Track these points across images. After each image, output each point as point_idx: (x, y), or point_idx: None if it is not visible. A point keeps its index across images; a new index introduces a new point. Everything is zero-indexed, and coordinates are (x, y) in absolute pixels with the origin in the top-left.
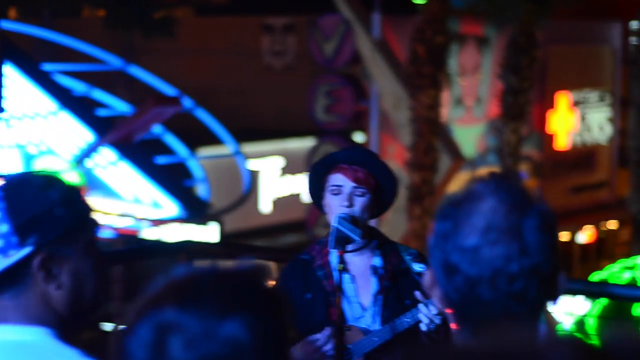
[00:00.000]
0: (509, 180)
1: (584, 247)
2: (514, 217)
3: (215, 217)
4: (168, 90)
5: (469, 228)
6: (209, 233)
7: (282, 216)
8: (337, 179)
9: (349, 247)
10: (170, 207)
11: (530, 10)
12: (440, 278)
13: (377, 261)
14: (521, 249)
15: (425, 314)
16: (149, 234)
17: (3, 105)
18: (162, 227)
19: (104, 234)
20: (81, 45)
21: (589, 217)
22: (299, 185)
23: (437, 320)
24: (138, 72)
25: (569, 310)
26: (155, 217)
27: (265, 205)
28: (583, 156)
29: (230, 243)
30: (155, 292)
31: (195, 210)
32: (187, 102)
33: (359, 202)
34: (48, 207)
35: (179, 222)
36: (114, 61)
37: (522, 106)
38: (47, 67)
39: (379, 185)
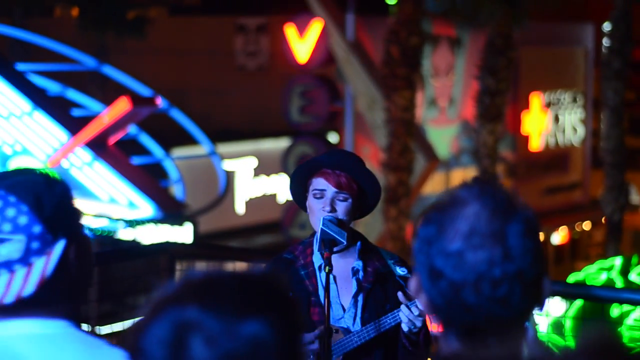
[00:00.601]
0: (493, 186)
1: (558, 248)
2: (497, 222)
3: (191, 218)
4: (142, 90)
5: (453, 233)
6: (184, 234)
7: (256, 217)
8: (320, 183)
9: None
10: (146, 207)
11: (507, 12)
12: (425, 283)
13: (358, 263)
14: (505, 254)
15: (407, 316)
16: (124, 234)
17: None
18: (138, 227)
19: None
20: (55, 45)
21: (563, 218)
22: (273, 185)
23: (419, 323)
24: (112, 72)
25: (546, 312)
26: (130, 217)
27: (239, 205)
28: (556, 157)
29: (209, 245)
30: (174, 291)
31: (171, 210)
32: (162, 103)
33: (341, 206)
34: (59, 197)
35: (154, 223)
36: (88, 61)
37: (498, 107)
38: (21, 67)
39: (361, 190)
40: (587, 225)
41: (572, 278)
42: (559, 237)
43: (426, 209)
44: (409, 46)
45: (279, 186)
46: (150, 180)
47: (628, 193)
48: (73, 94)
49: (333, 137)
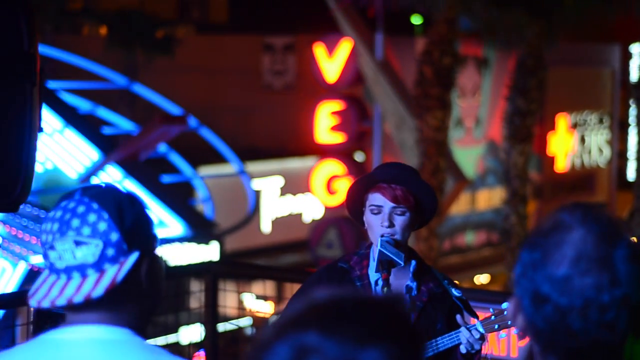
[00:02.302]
0: (595, 210)
1: None
2: (604, 247)
3: (219, 237)
4: (172, 108)
5: (560, 258)
6: (210, 252)
7: (282, 236)
8: (376, 198)
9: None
10: (176, 226)
11: (539, 32)
12: (527, 307)
13: (412, 282)
14: (612, 279)
15: (468, 339)
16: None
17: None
18: (166, 246)
19: None
20: (86, 63)
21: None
22: (299, 204)
23: (477, 346)
24: (142, 90)
25: None
26: (160, 236)
27: (265, 224)
28: (582, 178)
29: (249, 265)
30: (298, 314)
31: (201, 229)
32: (191, 121)
33: (399, 220)
34: (139, 213)
35: (179, 242)
36: (118, 79)
37: (528, 128)
38: (52, 84)
39: (418, 203)
40: None
41: None
42: None
43: (529, 234)
44: (442, 66)
45: (305, 205)
46: (180, 198)
47: None
48: (103, 112)
49: (359, 157)
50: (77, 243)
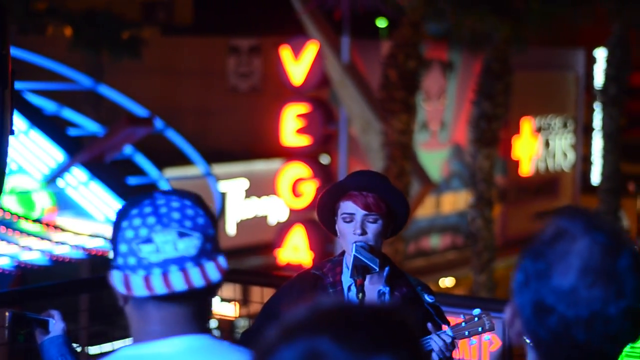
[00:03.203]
0: (595, 218)
1: None
2: (609, 258)
3: None
4: (138, 110)
5: (565, 269)
6: None
7: (247, 238)
8: (348, 206)
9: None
10: None
11: (506, 36)
12: (528, 316)
13: (385, 288)
14: (618, 291)
15: (438, 345)
16: None
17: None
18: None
19: (74, 254)
20: (52, 64)
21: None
22: (265, 207)
23: (448, 353)
24: (108, 91)
25: None
26: None
27: (230, 227)
28: (546, 182)
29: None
30: (308, 319)
31: None
32: (157, 123)
33: (372, 228)
34: (215, 221)
35: None
36: (84, 80)
37: (494, 132)
38: (17, 85)
39: (390, 210)
40: None
41: None
42: None
43: (531, 242)
44: (406, 70)
45: (271, 208)
46: None
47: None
48: (68, 113)
49: (325, 159)
50: (181, 234)
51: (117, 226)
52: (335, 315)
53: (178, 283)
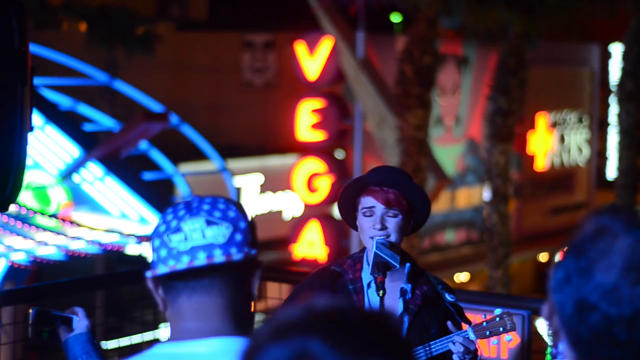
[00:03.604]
0: (637, 217)
1: None
2: None
3: None
4: (153, 105)
5: (608, 266)
6: None
7: (261, 233)
8: (368, 201)
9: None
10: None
11: (521, 31)
12: (569, 314)
13: (407, 286)
14: None
15: (461, 344)
16: (134, 250)
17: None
18: (148, 243)
19: (90, 249)
20: (67, 60)
21: (568, 238)
22: (279, 202)
23: (469, 355)
24: (123, 87)
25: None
26: (142, 233)
27: None
28: (561, 177)
29: None
30: (300, 318)
31: None
32: (173, 118)
33: (392, 223)
34: (252, 220)
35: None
36: (99, 76)
37: (510, 128)
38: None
39: (410, 205)
40: None
41: None
42: None
43: (573, 239)
44: (422, 65)
45: (286, 203)
46: (161, 195)
47: None
48: (84, 109)
49: (340, 154)
50: (209, 222)
51: (154, 230)
52: (329, 317)
53: (199, 262)
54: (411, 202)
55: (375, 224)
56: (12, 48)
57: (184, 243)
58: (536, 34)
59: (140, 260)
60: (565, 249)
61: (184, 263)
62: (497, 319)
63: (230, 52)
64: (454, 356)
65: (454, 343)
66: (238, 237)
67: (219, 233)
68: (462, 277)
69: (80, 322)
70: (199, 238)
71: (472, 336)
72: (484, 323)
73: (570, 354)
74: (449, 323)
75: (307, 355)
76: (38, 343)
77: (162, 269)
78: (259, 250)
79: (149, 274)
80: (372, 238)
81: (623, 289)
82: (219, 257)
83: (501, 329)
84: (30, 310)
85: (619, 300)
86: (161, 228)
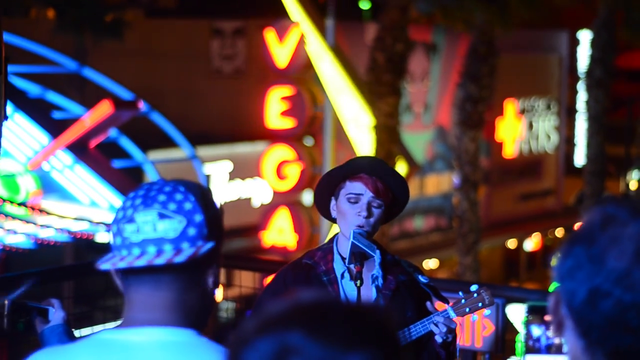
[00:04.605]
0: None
1: (531, 255)
2: None
3: None
4: (122, 93)
5: (620, 253)
6: None
7: (231, 221)
8: (357, 187)
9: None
10: None
11: (491, 18)
12: (580, 302)
13: (378, 271)
14: None
15: (440, 324)
16: (104, 238)
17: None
18: None
19: (59, 237)
20: (36, 47)
21: (536, 224)
22: (249, 189)
23: (450, 334)
24: (92, 74)
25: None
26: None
27: None
28: (530, 164)
29: None
30: (283, 312)
31: None
32: (142, 106)
33: (375, 213)
34: (217, 209)
35: None
36: (67, 63)
37: (480, 114)
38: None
39: (394, 199)
40: (559, 232)
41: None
42: (531, 243)
43: (582, 226)
44: (394, 52)
45: (255, 190)
46: (131, 183)
47: None
48: (53, 96)
49: (309, 142)
50: (161, 216)
51: (115, 214)
52: (312, 309)
53: (146, 258)
54: (395, 195)
55: (361, 211)
56: None
57: (135, 235)
58: (507, 21)
59: (109, 248)
60: (570, 240)
61: (133, 256)
62: (475, 294)
63: (200, 39)
64: (437, 337)
65: (435, 324)
66: (191, 231)
67: (170, 227)
68: (430, 263)
69: (56, 313)
70: (150, 231)
71: (452, 314)
72: (463, 300)
73: (578, 343)
74: (427, 303)
75: (288, 348)
76: (13, 334)
77: (112, 261)
78: (221, 241)
79: (104, 265)
80: (359, 226)
81: (636, 275)
82: (168, 252)
83: (480, 304)
84: (6, 302)
85: (632, 286)
86: (118, 214)
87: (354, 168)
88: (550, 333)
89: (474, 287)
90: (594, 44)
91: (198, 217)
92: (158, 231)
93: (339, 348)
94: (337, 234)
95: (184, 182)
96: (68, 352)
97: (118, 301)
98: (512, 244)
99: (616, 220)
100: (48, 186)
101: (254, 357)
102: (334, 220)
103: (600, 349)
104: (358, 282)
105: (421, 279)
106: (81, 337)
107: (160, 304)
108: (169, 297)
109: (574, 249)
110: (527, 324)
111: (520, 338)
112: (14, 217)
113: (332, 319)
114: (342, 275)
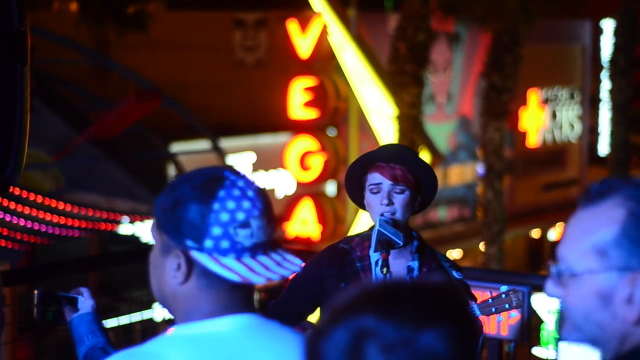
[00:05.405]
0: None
1: (554, 244)
2: None
3: None
4: (146, 85)
5: None
6: None
7: None
8: (375, 177)
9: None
10: (151, 201)
11: (516, 9)
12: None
13: (414, 263)
14: None
15: None
16: (127, 230)
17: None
18: (140, 223)
19: (83, 230)
20: (60, 40)
21: (560, 214)
22: (272, 180)
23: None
24: (116, 67)
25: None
26: (135, 212)
27: None
28: (553, 154)
29: None
30: (353, 298)
31: None
32: (165, 98)
33: (399, 199)
34: None
35: (150, 218)
36: (91, 56)
37: (504, 104)
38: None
39: (417, 182)
40: None
41: None
42: (555, 233)
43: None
44: (416, 42)
45: (278, 181)
46: (154, 174)
47: None
48: (77, 89)
49: (332, 132)
50: (269, 220)
51: (202, 207)
52: (381, 292)
53: (276, 268)
54: (418, 178)
55: (382, 200)
56: (12, 28)
57: (249, 239)
58: (531, 10)
59: (132, 240)
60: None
61: (258, 266)
62: (503, 295)
63: (222, 31)
64: None
65: None
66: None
67: (269, 230)
68: (454, 254)
69: (85, 302)
70: (261, 235)
71: (477, 312)
72: (490, 300)
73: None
74: None
75: (364, 332)
76: (43, 323)
77: (241, 270)
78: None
79: (223, 271)
80: (382, 215)
81: None
82: (288, 265)
83: (507, 305)
84: (35, 291)
85: None
86: (223, 217)
87: (370, 159)
88: None
89: (503, 288)
90: (617, 32)
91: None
92: (267, 235)
93: (413, 326)
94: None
95: (236, 171)
96: (155, 353)
97: (142, 292)
98: (536, 233)
99: (614, 187)
100: (73, 178)
101: (332, 347)
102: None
103: None
104: (384, 270)
105: (454, 274)
106: (134, 328)
107: (235, 300)
108: (246, 292)
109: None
110: (561, 312)
111: (546, 327)
112: (38, 209)
113: (402, 299)
114: (377, 263)
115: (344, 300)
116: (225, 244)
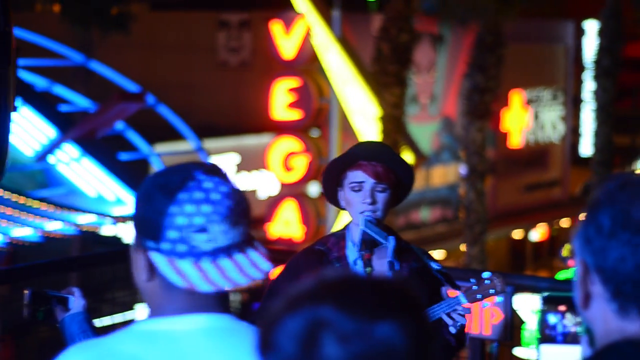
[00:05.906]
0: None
1: (537, 245)
2: None
3: None
4: (129, 86)
5: None
6: None
7: None
8: (357, 175)
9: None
10: (133, 203)
11: (499, 9)
12: (612, 259)
13: (393, 258)
14: None
15: (452, 310)
16: (110, 230)
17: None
18: (124, 224)
19: (66, 230)
20: (43, 41)
21: (542, 215)
22: (255, 181)
23: (462, 319)
24: (99, 67)
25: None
26: (117, 214)
27: None
28: (536, 154)
29: None
30: (309, 289)
31: None
32: (148, 98)
33: (380, 198)
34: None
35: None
36: (74, 56)
37: (487, 105)
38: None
39: (398, 180)
40: (565, 223)
41: (561, 275)
42: (537, 234)
43: (596, 196)
44: (399, 43)
45: (261, 182)
46: (137, 176)
47: None
48: (59, 89)
49: (315, 133)
50: (235, 223)
51: (160, 209)
52: (339, 284)
53: (234, 275)
54: (398, 176)
55: (365, 199)
56: None
57: (207, 243)
58: (512, 11)
59: (115, 241)
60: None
61: (214, 273)
62: (487, 281)
63: (205, 32)
64: (450, 327)
65: (450, 316)
66: (249, 231)
67: (238, 233)
68: (437, 254)
69: (76, 301)
70: (223, 239)
71: (463, 300)
72: (474, 287)
73: (609, 307)
74: (442, 289)
75: (321, 322)
76: (33, 323)
77: (194, 277)
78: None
79: (173, 277)
80: (362, 213)
81: None
82: (251, 270)
83: (491, 290)
84: (26, 291)
85: None
86: (180, 220)
87: (352, 157)
88: (567, 322)
89: (486, 274)
90: (601, 32)
91: (249, 214)
92: (229, 238)
93: (369, 318)
94: (351, 221)
95: (217, 170)
96: (109, 346)
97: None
98: (518, 234)
99: (632, 182)
100: (55, 179)
101: (286, 335)
102: (344, 209)
103: (635, 303)
104: (368, 270)
105: (433, 265)
106: (116, 329)
107: (206, 300)
108: (218, 293)
109: (597, 212)
110: (543, 312)
111: (527, 327)
112: (20, 210)
113: (360, 292)
114: (355, 262)
115: (300, 289)
116: (181, 247)
